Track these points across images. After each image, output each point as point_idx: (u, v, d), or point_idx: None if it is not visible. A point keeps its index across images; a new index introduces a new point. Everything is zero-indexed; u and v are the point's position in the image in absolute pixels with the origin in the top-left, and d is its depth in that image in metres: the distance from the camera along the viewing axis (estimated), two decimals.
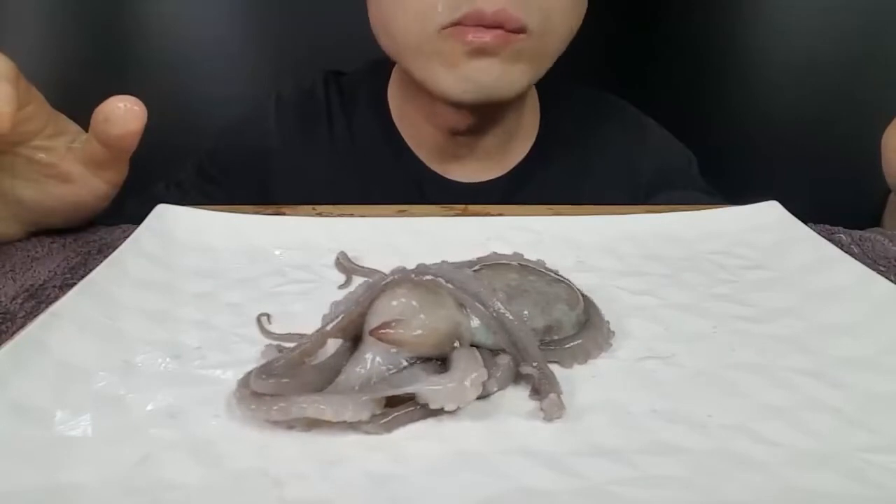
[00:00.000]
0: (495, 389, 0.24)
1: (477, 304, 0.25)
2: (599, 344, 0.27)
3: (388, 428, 0.23)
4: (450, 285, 0.25)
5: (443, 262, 0.26)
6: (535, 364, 0.24)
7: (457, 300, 0.25)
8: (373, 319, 0.25)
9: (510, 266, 0.29)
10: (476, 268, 0.29)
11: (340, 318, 0.25)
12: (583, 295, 0.29)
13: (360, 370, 0.24)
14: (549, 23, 0.45)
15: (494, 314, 0.25)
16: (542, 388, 0.24)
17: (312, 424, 0.23)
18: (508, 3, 0.42)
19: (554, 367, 0.26)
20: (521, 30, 0.44)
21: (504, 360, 0.25)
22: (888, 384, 0.25)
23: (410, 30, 0.46)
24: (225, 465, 0.21)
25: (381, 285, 0.25)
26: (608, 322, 0.28)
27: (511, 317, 0.25)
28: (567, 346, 0.26)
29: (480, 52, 0.44)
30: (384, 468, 0.21)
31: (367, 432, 0.23)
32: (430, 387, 0.23)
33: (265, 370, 0.24)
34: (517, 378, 0.25)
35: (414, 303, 0.24)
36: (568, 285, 0.28)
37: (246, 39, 0.76)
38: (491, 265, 0.29)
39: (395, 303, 0.25)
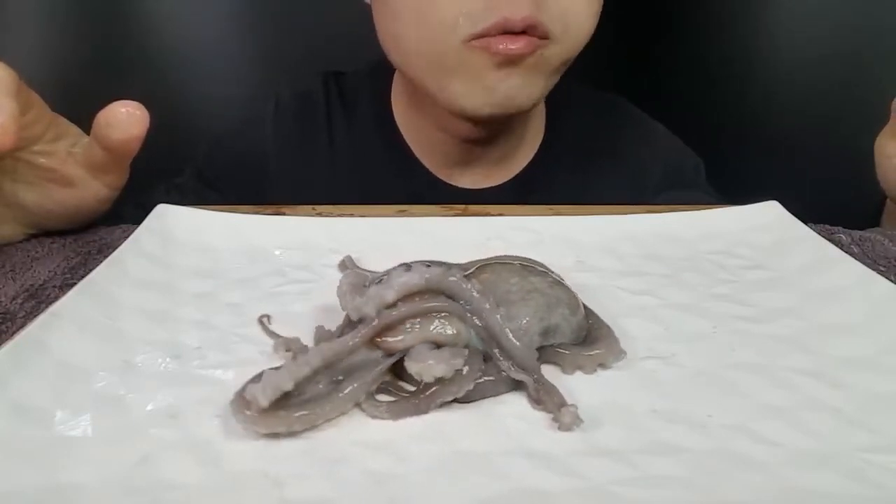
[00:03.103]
0: (485, 394, 0.24)
1: (479, 323, 0.25)
2: (616, 355, 0.27)
3: (395, 415, 0.23)
4: (456, 303, 0.25)
5: (453, 266, 0.26)
6: (534, 377, 0.24)
7: (460, 318, 0.25)
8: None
9: (511, 267, 0.28)
10: (470, 271, 0.28)
11: (359, 338, 0.25)
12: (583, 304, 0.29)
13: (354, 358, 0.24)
14: (571, 30, 0.45)
15: (492, 333, 0.25)
16: (542, 399, 0.24)
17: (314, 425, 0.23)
18: (534, 9, 0.42)
19: (554, 369, 0.26)
20: (545, 35, 0.43)
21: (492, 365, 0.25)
22: (888, 384, 0.25)
23: (431, 44, 0.44)
24: (225, 465, 0.21)
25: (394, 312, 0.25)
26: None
27: (511, 336, 0.25)
28: (587, 353, 0.26)
29: (509, 61, 0.43)
30: (384, 468, 0.21)
31: (374, 417, 0.23)
32: (419, 350, 0.24)
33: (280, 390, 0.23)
34: (513, 385, 0.25)
35: (420, 325, 0.25)
36: (568, 290, 0.28)
37: (245, 40, 0.76)
38: (491, 265, 0.29)
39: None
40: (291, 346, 0.27)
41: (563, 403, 0.23)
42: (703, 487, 0.21)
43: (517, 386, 0.25)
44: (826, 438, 0.23)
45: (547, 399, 0.24)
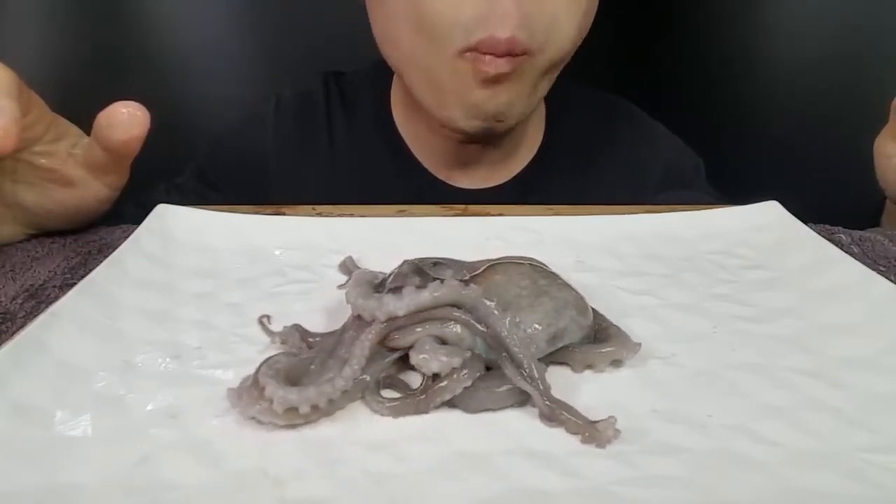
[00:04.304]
0: (489, 405, 0.24)
1: (485, 330, 0.25)
2: (631, 350, 0.26)
3: (396, 413, 0.23)
4: (469, 318, 0.25)
5: (454, 282, 0.26)
6: (540, 389, 0.24)
7: (465, 325, 0.25)
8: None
9: (521, 268, 0.28)
10: (479, 271, 0.28)
11: (369, 342, 0.24)
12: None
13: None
14: (553, 41, 0.45)
15: (499, 340, 0.25)
16: (562, 419, 0.23)
17: (318, 420, 0.23)
18: (518, 29, 0.42)
19: (559, 369, 0.26)
20: (525, 52, 0.43)
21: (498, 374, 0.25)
22: (888, 384, 0.25)
23: (424, 51, 0.45)
24: (225, 465, 0.21)
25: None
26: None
27: (517, 343, 0.24)
28: (600, 350, 0.26)
29: (493, 80, 0.44)
30: (384, 468, 0.21)
31: (375, 412, 0.23)
32: (423, 342, 0.24)
33: (291, 382, 0.23)
34: (522, 396, 0.24)
35: (427, 326, 0.25)
36: (576, 292, 0.28)
37: (245, 40, 0.76)
38: (503, 265, 0.28)
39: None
40: (288, 339, 0.27)
41: (590, 420, 0.23)
42: (703, 487, 0.21)
43: (525, 400, 0.24)
44: (826, 438, 0.23)
45: (566, 419, 0.23)
